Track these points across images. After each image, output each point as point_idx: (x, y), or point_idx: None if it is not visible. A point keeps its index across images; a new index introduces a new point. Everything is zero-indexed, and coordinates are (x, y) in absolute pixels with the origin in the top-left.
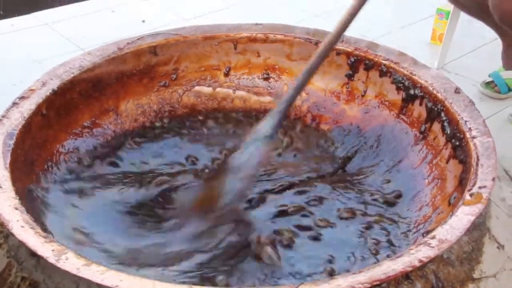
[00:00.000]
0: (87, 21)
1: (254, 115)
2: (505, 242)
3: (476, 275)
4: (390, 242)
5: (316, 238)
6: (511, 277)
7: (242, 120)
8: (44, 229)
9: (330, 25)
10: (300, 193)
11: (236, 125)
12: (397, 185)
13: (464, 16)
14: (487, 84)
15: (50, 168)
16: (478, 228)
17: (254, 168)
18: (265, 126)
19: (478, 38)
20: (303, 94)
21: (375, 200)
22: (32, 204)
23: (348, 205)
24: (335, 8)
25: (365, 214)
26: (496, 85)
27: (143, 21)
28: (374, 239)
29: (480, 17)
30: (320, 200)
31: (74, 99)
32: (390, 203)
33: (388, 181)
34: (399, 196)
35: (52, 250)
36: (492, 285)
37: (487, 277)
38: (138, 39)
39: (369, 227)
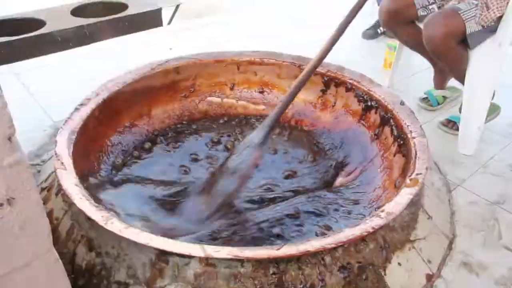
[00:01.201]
0: (129, 48)
1: (251, 119)
2: (433, 214)
3: (412, 237)
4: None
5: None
6: (436, 238)
7: (243, 122)
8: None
9: (309, 53)
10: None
11: (238, 124)
12: (357, 173)
13: (407, 50)
14: (423, 99)
15: (101, 157)
16: (415, 204)
17: (249, 169)
18: (258, 135)
19: (417, 66)
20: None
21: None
22: (88, 182)
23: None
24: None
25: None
26: (429, 100)
27: (170, 49)
28: (342, 211)
29: (417, 51)
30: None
31: (118, 106)
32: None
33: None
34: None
35: (102, 216)
36: (423, 244)
37: (419, 239)
38: (166, 61)
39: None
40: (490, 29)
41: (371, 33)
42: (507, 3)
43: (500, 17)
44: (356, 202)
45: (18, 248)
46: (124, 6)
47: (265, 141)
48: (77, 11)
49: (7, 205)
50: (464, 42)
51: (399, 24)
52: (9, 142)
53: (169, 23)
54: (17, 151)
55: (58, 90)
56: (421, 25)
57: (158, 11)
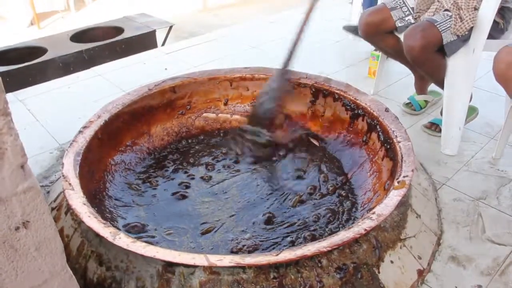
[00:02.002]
0: (127, 70)
1: None
2: (421, 213)
3: (402, 236)
4: (347, 216)
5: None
6: (425, 236)
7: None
8: (104, 214)
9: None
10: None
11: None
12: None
13: (389, 58)
14: (406, 104)
15: (105, 176)
16: (403, 205)
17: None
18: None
19: (399, 73)
20: (280, 115)
21: (336, 189)
22: (95, 200)
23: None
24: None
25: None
26: (412, 105)
27: (166, 69)
28: (338, 214)
29: (397, 59)
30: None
31: (119, 126)
32: (346, 190)
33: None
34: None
35: (110, 232)
36: (413, 242)
37: (409, 237)
38: (162, 82)
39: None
40: (464, 38)
41: (352, 28)
42: (477, 14)
43: (472, 27)
44: (351, 204)
45: (35, 268)
46: (120, 30)
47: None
48: (76, 37)
49: (23, 228)
50: (441, 51)
51: (379, 36)
52: (22, 170)
53: (163, 44)
54: (30, 177)
55: (62, 113)
56: (399, 35)
57: (153, 33)
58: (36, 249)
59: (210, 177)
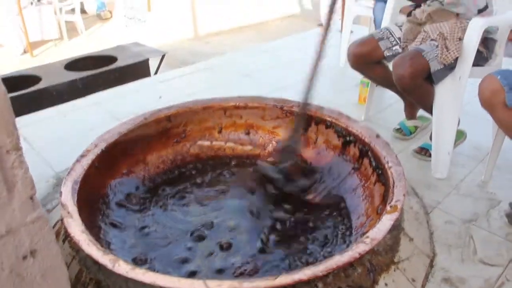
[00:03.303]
0: (122, 99)
1: (239, 159)
2: (414, 236)
3: (396, 259)
4: (341, 241)
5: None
6: (418, 258)
7: (231, 163)
8: (103, 241)
9: (290, 94)
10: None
11: (227, 165)
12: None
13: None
14: (397, 130)
15: (103, 202)
16: (396, 228)
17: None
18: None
19: (388, 99)
20: (274, 143)
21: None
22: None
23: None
24: (292, 83)
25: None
26: (403, 131)
27: (160, 97)
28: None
29: (386, 86)
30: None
31: (116, 155)
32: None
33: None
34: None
35: (109, 260)
36: (406, 264)
37: (403, 260)
38: (158, 111)
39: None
40: (450, 67)
41: None
42: (461, 44)
43: (457, 57)
44: (344, 230)
45: None
46: (114, 59)
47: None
48: (70, 66)
49: (30, 257)
50: (429, 79)
51: (367, 65)
52: (31, 201)
53: (156, 72)
54: (38, 208)
55: (58, 142)
56: (388, 63)
57: (146, 62)
58: (42, 277)
59: (206, 202)
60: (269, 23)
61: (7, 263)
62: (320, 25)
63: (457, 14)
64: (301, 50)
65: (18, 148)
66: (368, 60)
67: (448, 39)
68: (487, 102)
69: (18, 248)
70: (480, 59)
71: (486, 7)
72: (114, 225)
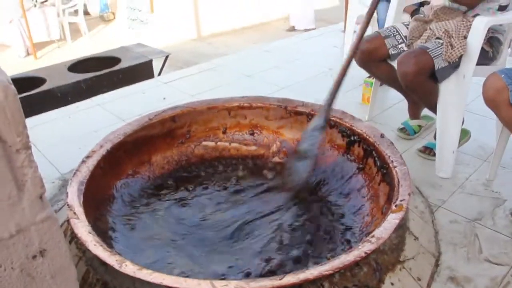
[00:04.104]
0: (126, 100)
1: (244, 159)
2: (419, 235)
3: (401, 258)
4: (346, 240)
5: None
6: (423, 257)
7: (236, 163)
8: (109, 242)
9: (293, 95)
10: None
11: (232, 165)
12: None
13: (383, 85)
14: (401, 129)
15: (109, 203)
16: (401, 228)
17: (316, 149)
18: (319, 120)
19: (392, 99)
20: (278, 143)
21: (335, 214)
22: (99, 226)
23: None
24: (295, 83)
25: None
26: (406, 130)
27: (164, 98)
28: (338, 238)
29: (391, 85)
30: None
31: (121, 156)
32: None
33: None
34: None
35: (116, 260)
36: (412, 264)
37: (408, 259)
38: (162, 111)
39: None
40: (455, 65)
41: None
42: (466, 43)
43: (462, 55)
44: (349, 229)
45: None
46: (117, 60)
47: (326, 124)
48: (73, 67)
49: (40, 257)
50: (433, 77)
51: (373, 63)
52: (41, 200)
53: (159, 73)
54: (47, 207)
55: (63, 143)
56: (392, 63)
57: (149, 63)
58: (51, 277)
59: (224, 199)
60: (271, 23)
61: (17, 262)
62: (291, 29)
63: (465, 12)
64: (303, 50)
65: (27, 147)
66: (373, 57)
67: (453, 37)
68: (491, 101)
69: (28, 247)
70: (486, 58)
71: (508, 5)
72: (120, 226)
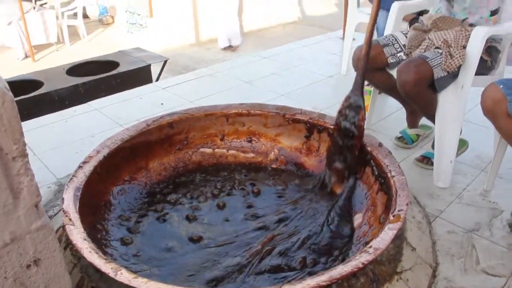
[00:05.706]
0: (123, 105)
1: (242, 167)
2: (416, 245)
3: (398, 269)
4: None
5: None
6: (421, 268)
7: (233, 170)
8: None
9: (291, 101)
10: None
11: (229, 172)
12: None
13: (381, 93)
14: (399, 138)
15: (105, 210)
16: (399, 238)
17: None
18: (354, 92)
19: (390, 108)
20: (276, 150)
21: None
22: (95, 233)
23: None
24: (294, 90)
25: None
26: (404, 139)
27: (162, 104)
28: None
29: (389, 94)
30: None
31: (118, 161)
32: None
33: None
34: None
35: (111, 268)
36: (409, 274)
37: (406, 270)
38: (160, 117)
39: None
40: (453, 75)
41: None
42: (465, 52)
43: (461, 65)
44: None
45: None
46: (116, 64)
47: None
48: (71, 71)
49: (34, 266)
50: (432, 87)
51: (372, 71)
52: (36, 209)
53: (157, 78)
54: (43, 216)
55: (60, 148)
56: (391, 71)
57: (148, 68)
58: (45, 287)
59: (221, 205)
60: (271, 29)
61: (11, 271)
62: (227, 48)
63: (464, 20)
64: (302, 57)
65: (24, 155)
66: (372, 65)
67: (452, 47)
68: (489, 111)
69: (23, 256)
70: (485, 68)
71: (498, 9)
72: (115, 233)
